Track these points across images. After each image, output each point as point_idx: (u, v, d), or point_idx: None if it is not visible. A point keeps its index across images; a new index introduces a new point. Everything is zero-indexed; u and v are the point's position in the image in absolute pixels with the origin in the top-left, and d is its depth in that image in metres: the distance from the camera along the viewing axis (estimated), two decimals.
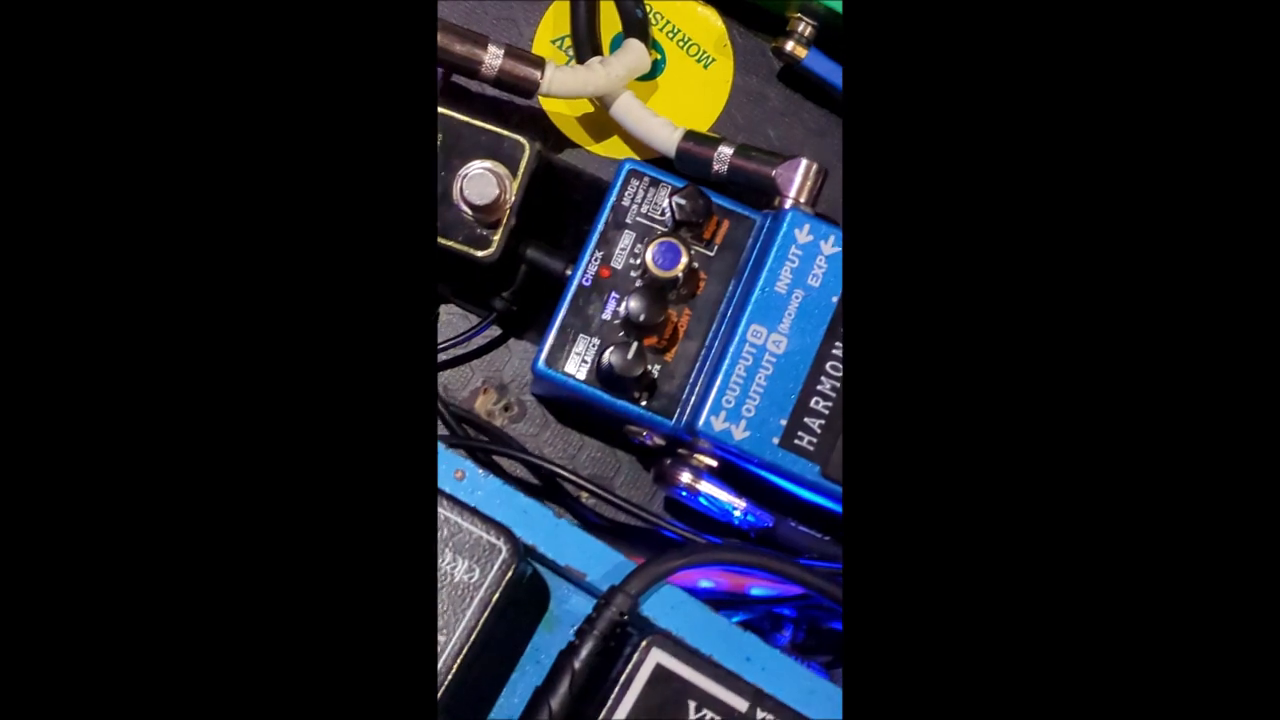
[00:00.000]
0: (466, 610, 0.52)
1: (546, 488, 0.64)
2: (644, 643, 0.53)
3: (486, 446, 0.63)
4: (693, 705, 0.52)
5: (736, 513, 0.61)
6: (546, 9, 0.69)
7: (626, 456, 0.66)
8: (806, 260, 0.59)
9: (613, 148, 0.68)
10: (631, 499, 0.64)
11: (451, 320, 0.66)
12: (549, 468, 0.63)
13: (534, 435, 0.66)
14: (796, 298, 0.59)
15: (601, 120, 0.67)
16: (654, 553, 0.56)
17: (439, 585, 0.52)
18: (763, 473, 0.59)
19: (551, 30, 0.69)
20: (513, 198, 0.61)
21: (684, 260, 0.59)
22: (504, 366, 0.66)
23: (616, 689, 0.52)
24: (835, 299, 0.59)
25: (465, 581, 0.53)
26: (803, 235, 0.59)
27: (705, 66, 0.69)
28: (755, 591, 0.61)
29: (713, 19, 0.69)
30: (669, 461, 0.61)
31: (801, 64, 0.66)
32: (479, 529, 0.53)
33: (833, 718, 0.54)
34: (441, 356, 0.66)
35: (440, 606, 0.52)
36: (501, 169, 0.61)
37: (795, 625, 0.62)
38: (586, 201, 0.65)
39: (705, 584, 0.60)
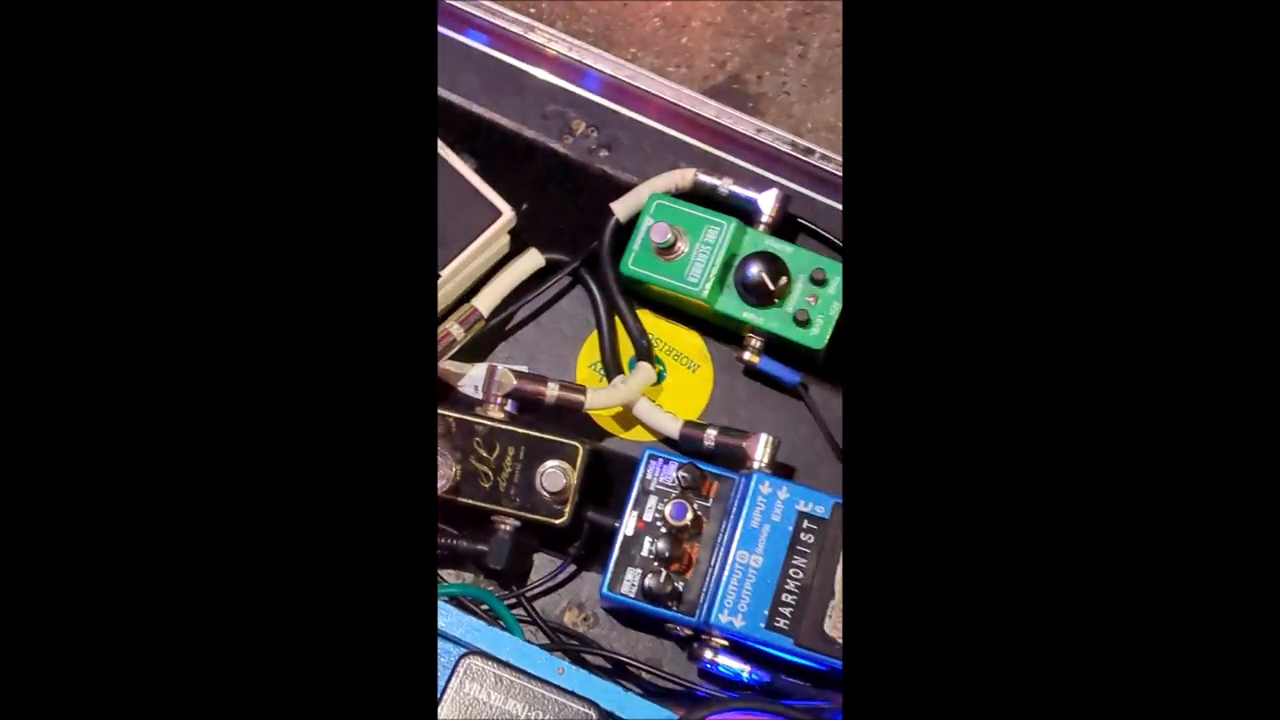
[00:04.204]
0: None
1: (617, 671, 0.95)
2: None
3: (576, 647, 0.95)
4: None
5: (745, 674, 0.92)
6: (583, 345, 1.01)
7: (669, 644, 0.97)
8: (769, 505, 0.90)
9: (637, 433, 1.00)
10: (675, 673, 0.95)
11: (543, 564, 0.98)
12: (617, 657, 0.94)
13: (605, 635, 0.97)
14: (765, 530, 0.90)
15: (627, 415, 1.00)
16: (689, 708, 0.87)
17: None
18: (758, 646, 0.90)
19: (589, 358, 1.01)
20: (575, 482, 0.93)
21: (689, 513, 0.91)
22: (581, 591, 0.98)
23: None
24: (790, 528, 0.90)
25: None
26: (765, 489, 0.91)
27: (693, 371, 1.01)
28: None
29: (695, 339, 1.01)
30: (696, 644, 0.92)
31: (757, 366, 0.98)
32: (575, 704, 0.84)
33: None
34: (538, 589, 0.97)
35: None
36: (566, 465, 0.93)
37: None
38: (623, 472, 0.97)
39: None
